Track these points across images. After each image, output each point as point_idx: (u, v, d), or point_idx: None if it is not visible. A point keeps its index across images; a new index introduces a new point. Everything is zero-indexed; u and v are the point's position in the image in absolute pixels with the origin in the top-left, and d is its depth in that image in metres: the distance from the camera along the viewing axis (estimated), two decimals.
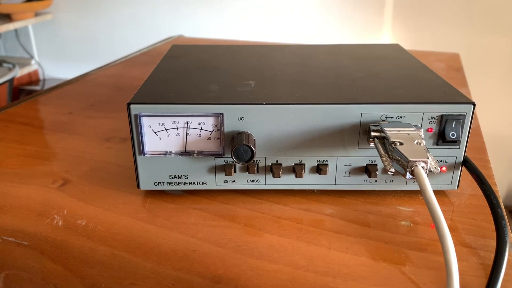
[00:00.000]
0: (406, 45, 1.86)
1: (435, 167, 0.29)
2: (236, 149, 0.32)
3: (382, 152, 0.30)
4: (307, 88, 0.36)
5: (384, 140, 0.32)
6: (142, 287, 0.31)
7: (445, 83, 0.37)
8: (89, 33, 2.26)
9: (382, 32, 1.87)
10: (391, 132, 0.31)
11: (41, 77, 2.35)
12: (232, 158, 0.32)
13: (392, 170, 0.29)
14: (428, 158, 0.28)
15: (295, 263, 0.30)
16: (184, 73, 0.40)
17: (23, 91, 2.21)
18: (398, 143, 0.30)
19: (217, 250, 0.31)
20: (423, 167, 0.28)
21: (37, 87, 2.27)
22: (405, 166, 0.28)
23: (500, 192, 1.97)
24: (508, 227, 0.31)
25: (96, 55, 2.26)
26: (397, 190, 0.36)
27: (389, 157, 0.30)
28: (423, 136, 0.32)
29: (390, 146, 0.30)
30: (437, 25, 1.76)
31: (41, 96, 0.59)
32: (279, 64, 0.43)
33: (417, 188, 0.35)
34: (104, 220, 0.34)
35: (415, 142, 0.30)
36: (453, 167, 0.34)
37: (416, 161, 0.28)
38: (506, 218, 0.30)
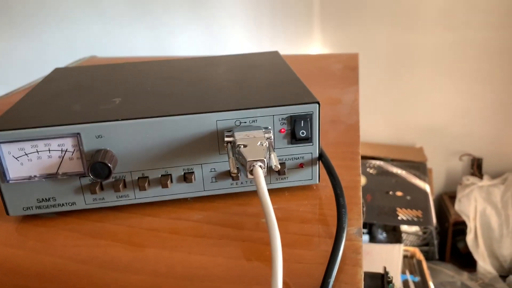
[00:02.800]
0: (336, 49, 1.93)
1: (275, 165, 0.31)
2: (91, 167, 0.32)
3: (230, 155, 0.32)
4: (170, 101, 0.37)
5: (233, 144, 0.33)
6: None
7: (302, 85, 0.39)
8: (17, 58, 2.20)
9: (312, 38, 1.92)
10: (240, 137, 0.33)
11: None
12: (90, 176, 0.33)
13: (235, 171, 0.31)
14: (265, 158, 0.30)
15: (157, 271, 0.31)
16: (53, 96, 0.40)
17: None
18: (242, 146, 0.31)
19: (83, 268, 0.31)
20: (260, 166, 0.30)
21: None
22: (245, 166, 0.30)
23: (439, 179, 2.06)
24: (357, 215, 0.34)
25: (27, 80, 2.20)
26: None
27: (234, 160, 0.32)
28: (272, 137, 0.34)
29: (235, 149, 0.32)
30: (364, 27, 1.83)
31: None
32: (155, 79, 0.44)
33: (282, 185, 0.37)
34: None
35: (259, 143, 0.32)
36: (310, 162, 0.37)
37: (253, 160, 0.30)
38: (346, 205, 0.32)
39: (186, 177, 0.36)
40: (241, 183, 0.37)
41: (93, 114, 0.35)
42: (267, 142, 0.32)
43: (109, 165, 0.32)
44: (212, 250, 0.32)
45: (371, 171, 1.77)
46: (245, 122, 0.35)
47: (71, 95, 0.40)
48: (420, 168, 1.78)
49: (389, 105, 2.00)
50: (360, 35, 1.87)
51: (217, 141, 0.35)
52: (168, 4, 1.90)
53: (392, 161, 1.85)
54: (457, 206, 1.86)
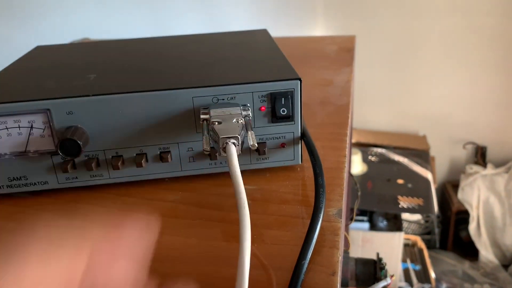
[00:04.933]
0: (340, 34, 1.90)
1: (252, 144, 0.29)
2: (60, 144, 0.31)
3: (205, 133, 0.31)
4: (146, 78, 0.36)
5: (208, 122, 0.32)
6: None
7: (285, 63, 0.38)
8: (18, 45, 2.19)
9: (316, 24, 1.89)
10: (216, 114, 0.31)
11: None
12: (60, 153, 0.31)
13: (207, 148, 0.29)
14: (239, 135, 0.29)
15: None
16: (27, 73, 0.39)
17: None
18: (216, 123, 0.30)
19: None
20: (234, 143, 0.28)
21: None
22: (218, 143, 0.29)
23: (443, 168, 2.04)
24: (338, 196, 0.32)
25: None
26: (245, 170, 0.37)
27: (208, 138, 0.30)
28: (250, 115, 0.32)
29: (209, 126, 0.30)
30: (368, 13, 1.80)
31: None
32: (135, 57, 0.43)
33: (262, 165, 0.36)
34: None
35: (234, 121, 0.30)
36: (292, 142, 0.35)
37: (226, 137, 0.28)
38: (324, 185, 0.31)
39: (162, 157, 0.34)
40: (220, 163, 0.35)
41: (65, 90, 0.34)
42: (243, 120, 0.30)
43: (79, 142, 0.31)
44: (185, 231, 0.31)
45: (372, 158, 1.75)
46: (222, 99, 0.33)
47: (47, 72, 0.39)
48: (422, 156, 1.75)
49: (392, 92, 1.97)
50: (364, 21, 1.84)
51: (193, 119, 0.34)
52: None
53: (395, 149, 1.83)
54: (460, 195, 1.84)
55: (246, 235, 0.24)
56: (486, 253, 1.76)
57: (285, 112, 0.34)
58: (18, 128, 0.33)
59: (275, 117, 0.34)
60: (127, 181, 0.36)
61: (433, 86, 1.92)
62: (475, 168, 1.87)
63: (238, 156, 0.29)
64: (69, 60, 0.43)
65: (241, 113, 0.31)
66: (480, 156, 1.94)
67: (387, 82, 1.94)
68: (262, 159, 0.36)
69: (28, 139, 0.33)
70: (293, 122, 0.34)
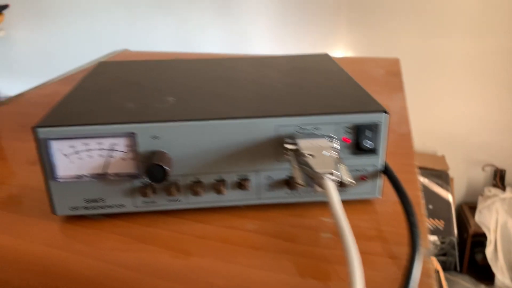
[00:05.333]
0: (361, 52, 1.90)
1: (348, 180, 0.29)
2: (148, 169, 0.31)
3: (295, 165, 0.30)
4: (226, 103, 0.35)
5: (296, 153, 0.31)
6: None
7: (364, 92, 0.37)
8: (44, 49, 2.21)
9: (337, 40, 1.90)
10: (304, 144, 0.31)
11: None
12: (145, 178, 0.31)
13: (301, 183, 0.29)
14: (336, 170, 0.28)
15: (213, 284, 0.29)
16: (102, 91, 0.39)
17: None
18: (308, 155, 0.29)
19: (132, 275, 0.30)
20: (331, 179, 0.28)
21: None
22: (314, 178, 0.28)
23: (460, 189, 2.02)
24: (423, 234, 0.32)
25: (52, 72, 2.20)
26: (321, 201, 0.36)
27: (300, 170, 0.30)
28: (337, 147, 0.32)
29: (301, 158, 0.30)
30: (389, 32, 1.80)
31: None
32: (204, 79, 0.42)
33: (342, 197, 0.35)
34: (15, 248, 0.32)
35: (326, 154, 0.30)
36: (373, 175, 0.35)
37: (323, 172, 0.28)
38: (418, 224, 0.30)
39: (241, 184, 0.34)
40: (298, 193, 0.35)
41: (149, 114, 0.33)
42: (335, 153, 0.30)
43: (166, 168, 0.31)
44: (271, 264, 0.30)
45: None
46: (306, 129, 0.33)
47: (121, 92, 0.39)
48: (442, 176, 1.74)
49: (411, 111, 1.97)
50: (384, 39, 1.84)
51: (275, 148, 0.33)
52: (194, 1, 1.88)
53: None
54: (477, 217, 1.82)
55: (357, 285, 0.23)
56: (503, 278, 1.74)
57: (370, 145, 0.33)
58: (99, 150, 0.32)
59: (358, 149, 0.33)
60: (203, 207, 0.35)
61: (452, 106, 1.91)
62: (494, 191, 1.85)
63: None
64: (137, 79, 0.42)
65: (331, 146, 0.31)
66: (499, 179, 1.92)
67: (407, 100, 1.93)
68: (341, 191, 0.35)
69: (107, 161, 0.33)
70: (376, 155, 0.34)
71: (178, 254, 0.31)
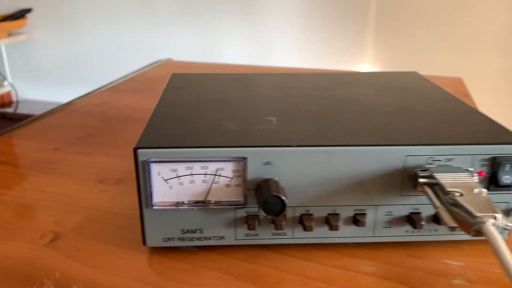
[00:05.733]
0: (387, 69, 1.86)
1: (506, 224, 0.25)
2: (265, 200, 0.27)
3: (438, 204, 0.26)
4: (337, 126, 0.32)
5: (434, 188, 0.27)
6: None
7: (487, 118, 0.33)
8: (65, 53, 2.19)
9: (363, 56, 1.86)
10: (445, 179, 0.27)
11: (14, 98, 2.26)
12: (260, 211, 0.27)
13: (455, 225, 0.25)
14: (496, 212, 0.24)
15: None
16: (192, 107, 0.35)
17: None
18: (457, 194, 0.25)
19: None
20: (493, 224, 0.24)
21: (10, 109, 2.17)
22: (469, 222, 0.24)
23: None
24: None
25: (72, 76, 2.19)
26: (438, 240, 0.32)
27: (446, 209, 0.26)
28: (477, 182, 0.28)
29: (447, 197, 0.26)
30: (417, 49, 1.76)
31: (21, 129, 0.53)
32: (296, 96, 0.39)
33: (464, 237, 0.31)
34: (105, 285, 0.28)
35: (475, 192, 0.26)
36: (506, 213, 0.31)
37: (484, 216, 0.24)
38: None
39: (357, 219, 0.30)
40: (418, 231, 0.31)
41: (259, 137, 0.29)
42: (485, 191, 0.26)
43: (285, 200, 0.27)
44: None
45: None
46: (438, 160, 0.29)
47: (213, 109, 0.35)
48: None
49: None
50: (412, 56, 1.80)
51: (400, 180, 0.29)
52: (218, 11, 1.86)
53: None
54: None
55: None
56: None
57: (509, 181, 0.29)
58: (204, 176, 0.29)
59: (494, 184, 0.29)
60: (310, 243, 0.31)
61: None
62: None
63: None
64: (226, 95, 0.39)
65: (475, 181, 0.27)
66: None
67: None
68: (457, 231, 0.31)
69: (211, 188, 0.29)
70: (511, 191, 0.30)
71: None
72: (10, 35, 2.11)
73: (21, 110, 2.14)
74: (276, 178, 0.28)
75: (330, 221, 0.30)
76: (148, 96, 0.64)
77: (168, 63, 0.85)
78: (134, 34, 2.04)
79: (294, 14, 1.81)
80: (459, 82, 0.70)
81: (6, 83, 2.21)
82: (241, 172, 0.28)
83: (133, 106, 0.60)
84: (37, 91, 2.29)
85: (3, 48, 2.21)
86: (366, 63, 1.90)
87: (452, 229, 0.25)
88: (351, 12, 1.76)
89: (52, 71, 2.26)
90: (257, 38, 1.88)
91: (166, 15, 1.96)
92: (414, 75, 0.46)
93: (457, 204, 0.25)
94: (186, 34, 1.95)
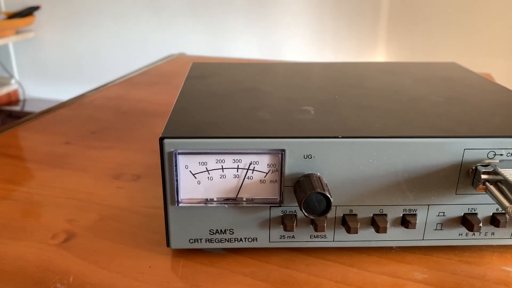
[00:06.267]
0: (399, 58, 1.82)
1: None
2: (307, 198, 0.24)
3: (506, 203, 0.23)
4: (384, 116, 0.28)
5: (499, 185, 0.24)
6: None
7: None
8: (72, 51, 2.17)
9: (376, 50, 1.83)
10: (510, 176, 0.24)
11: (21, 97, 2.24)
12: (302, 210, 0.24)
13: None
14: None
15: None
16: (219, 96, 0.32)
17: (2, 111, 2.09)
18: None
19: None
20: None
21: (17, 108, 2.15)
22: None
23: None
24: None
25: (80, 74, 2.17)
26: (495, 245, 0.29)
27: None
28: None
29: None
30: (430, 44, 1.72)
31: (31, 122, 0.50)
32: (330, 85, 0.35)
33: None
34: None
35: None
36: None
37: None
38: None
39: (408, 221, 0.27)
40: (473, 234, 0.28)
41: (298, 127, 0.26)
42: None
43: (331, 198, 0.24)
44: None
45: None
46: (500, 155, 0.26)
47: (243, 98, 0.32)
48: None
49: None
50: (425, 51, 1.76)
51: (457, 177, 0.26)
52: (227, 6, 1.84)
53: None
54: None
55: None
56: None
57: None
58: (236, 170, 0.25)
59: None
60: (351, 247, 0.28)
61: None
62: None
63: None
64: (253, 84, 0.36)
65: None
66: None
67: None
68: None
69: (242, 183, 0.26)
70: None
71: None
72: (17, 32, 2.09)
73: (28, 108, 2.12)
74: (318, 174, 0.25)
75: (377, 222, 0.26)
76: (164, 90, 0.61)
77: (181, 57, 0.82)
78: (142, 32, 2.02)
79: (305, 9, 1.78)
80: (488, 77, 0.66)
81: (13, 81, 2.20)
82: (278, 166, 0.25)
83: (149, 100, 0.57)
84: (45, 90, 2.26)
85: (10, 46, 2.19)
86: (378, 57, 1.86)
87: None
88: (363, 6, 1.72)
89: (60, 69, 2.24)
90: (268, 34, 1.85)
91: (175, 12, 1.93)
92: (453, 66, 0.42)
93: None
94: (195, 31, 1.92)
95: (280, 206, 0.26)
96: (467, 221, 0.27)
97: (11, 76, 2.21)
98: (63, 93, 2.13)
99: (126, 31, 2.04)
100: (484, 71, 0.71)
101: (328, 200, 0.24)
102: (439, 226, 0.27)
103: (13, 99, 2.23)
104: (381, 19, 1.76)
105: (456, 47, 1.70)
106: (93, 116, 0.52)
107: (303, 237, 0.27)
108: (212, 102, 0.31)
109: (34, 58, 2.25)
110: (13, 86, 2.19)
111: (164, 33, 1.98)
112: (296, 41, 1.82)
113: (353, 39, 1.80)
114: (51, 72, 2.24)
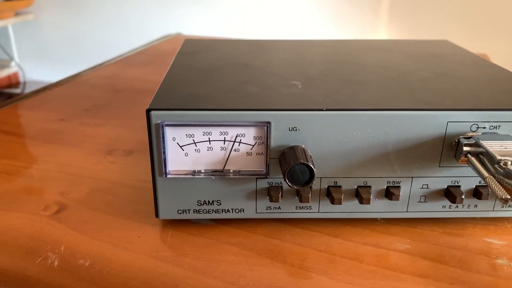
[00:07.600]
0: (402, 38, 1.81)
1: None
2: (291, 169, 0.24)
3: (486, 173, 0.23)
4: (370, 90, 0.29)
5: (480, 157, 0.25)
6: None
7: None
8: (72, 33, 2.16)
9: (378, 29, 1.81)
10: (493, 148, 0.24)
11: (21, 79, 2.24)
12: (286, 181, 0.24)
13: (508, 197, 0.22)
14: None
15: None
16: (208, 71, 0.32)
17: (2, 94, 2.10)
18: (509, 162, 0.23)
19: None
20: None
21: (17, 90, 2.16)
22: None
23: None
24: None
25: (80, 56, 2.16)
26: (478, 218, 0.29)
27: (497, 181, 0.23)
28: None
29: (497, 165, 0.23)
30: (434, 25, 1.71)
31: (26, 100, 0.50)
32: (320, 61, 0.36)
33: (506, 214, 0.29)
34: (114, 260, 0.26)
35: None
36: None
37: None
38: None
39: (392, 192, 0.27)
40: (456, 206, 0.28)
41: (283, 99, 0.27)
42: None
43: (314, 169, 0.24)
44: None
45: None
46: (483, 128, 0.26)
47: (232, 72, 0.32)
48: None
49: None
50: (428, 32, 1.75)
51: (441, 149, 0.26)
52: None
53: None
54: None
55: None
56: None
57: None
58: (222, 142, 0.26)
59: None
60: (336, 218, 0.29)
61: None
62: None
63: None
64: (244, 59, 0.36)
65: None
66: None
67: None
68: (510, 206, 0.28)
69: (229, 155, 0.26)
70: None
71: (312, 275, 0.25)
72: (17, 14, 2.08)
73: (29, 91, 2.12)
74: (303, 146, 0.26)
75: (360, 193, 0.27)
76: (159, 70, 0.62)
77: (178, 37, 0.82)
78: (142, 13, 2.00)
79: None
80: (485, 57, 0.66)
81: (13, 63, 2.19)
82: (264, 138, 0.26)
83: (143, 78, 0.57)
84: (45, 72, 2.26)
85: (10, 28, 2.18)
86: (381, 33, 1.84)
87: (505, 201, 0.22)
88: None
89: (60, 51, 2.23)
90: (265, 13, 1.84)
91: None
92: (445, 43, 0.42)
93: (509, 174, 0.22)
94: (196, 12, 1.91)
95: (266, 178, 0.27)
96: (450, 193, 0.27)
97: (11, 59, 2.20)
98: (64, 75, 2.13)
99: (126, 12, 2.03)
100: (485, 53, 0.71)
101: (311, 171, 0.24)
102: (422, 199, 0.28)
103: (13, 81, 2.23)
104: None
105: (460, 28, 1.69)
106: (88, 94, 0.52)
107: (289, 208, 0.28)
108: (201, 76, 0.31)
109: (33, 40, 2.24)
110: (13, 69, 2.19)
111: (165, 14, 1.97)
112: (297, 19, 1.81)
113: (355, 18, 1.78)
114: (52, 54, 2.23)
